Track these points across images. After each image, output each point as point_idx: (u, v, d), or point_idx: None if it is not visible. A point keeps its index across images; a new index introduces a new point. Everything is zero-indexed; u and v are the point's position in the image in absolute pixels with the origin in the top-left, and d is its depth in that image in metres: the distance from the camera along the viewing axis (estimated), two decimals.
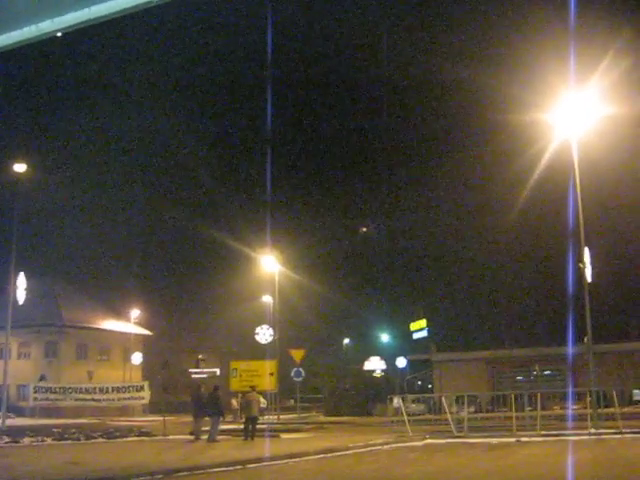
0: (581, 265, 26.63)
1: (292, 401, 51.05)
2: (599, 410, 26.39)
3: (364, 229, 73.57)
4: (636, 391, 39.05)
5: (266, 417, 39.67)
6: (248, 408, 26.19)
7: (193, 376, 67.55)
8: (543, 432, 24.21)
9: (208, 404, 25.33)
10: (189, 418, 27.97)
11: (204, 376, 64.88)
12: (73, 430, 28.70)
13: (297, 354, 42.34)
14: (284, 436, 27.74)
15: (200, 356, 76.37)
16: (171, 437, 27.26)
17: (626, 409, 31.36)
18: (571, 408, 30.52)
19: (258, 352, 43.86)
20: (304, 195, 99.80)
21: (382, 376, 65.88)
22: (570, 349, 32.82)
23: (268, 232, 52.83)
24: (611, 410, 27.09)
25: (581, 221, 26.54)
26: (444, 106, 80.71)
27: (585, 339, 28.14)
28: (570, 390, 34.51)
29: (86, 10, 2.87)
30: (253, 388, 28.06)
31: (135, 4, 2.86)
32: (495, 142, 51.18)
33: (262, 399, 39.26)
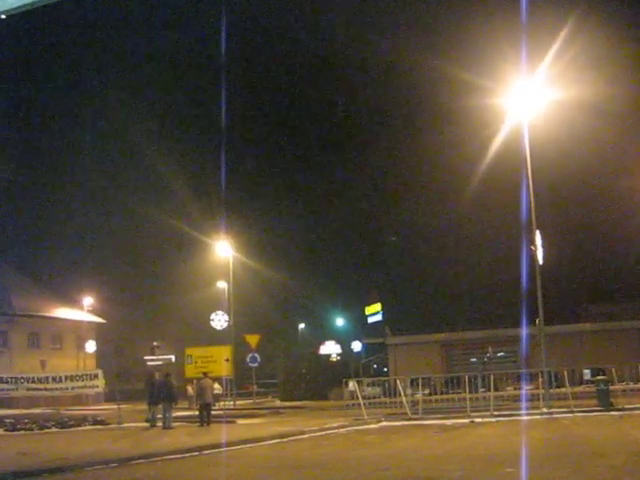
0: (533, 248, 26.99)
1: (255, 386, 51.11)
2: (551, 390, 26.86)
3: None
4: (586, 371, 39.78)
5: (222, 403, 39.61)
6: (202, 394, 26.14)
7: (148, 364, 67.11)
8: (496, 413, 24.57)
9: (161, 391, 25.23)
10: (144, 406, 27.82)
11: (159, 363, 64.45)
12: (26, 420, 28.33)
13: (252, 339, 42.31)
14: (240, 422, 27.75)
15: (155, 343, 75.84)
16: (126, 425, 27.08)
17: (577, 389, 31.98)
18: (524, 389, 31.02)
19: (213, 338, 43.73)
20: (258, 181, 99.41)
21: (338, 360, 66.15)
22: (524, 331, 33.31)
23: (222, 218, 52.62)
24: (562, 390, 27.60)
25: (533, 204, 26.89)
26: (396, 91, 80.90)
27: (537, 321, 28.57)
28: (524, 371, 35.03)
29: None
30: (206, 374, 27.99)
31: None
32: (448, 126, 51.52)
33: (217, 385, 39.17)
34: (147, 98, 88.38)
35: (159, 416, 25.45)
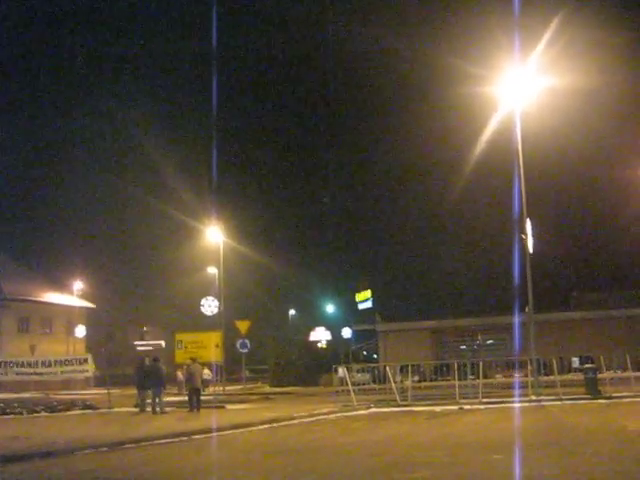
0: (523, 236, 27.05)
1: (246, 372, 51.20)
2: (540, 378, 26.99)
3: (324, 199, 73.49)
4: (575, 359, 39.99)
5: (212, 389, 39.67)
6: (191, 380, 26.18)
7: (138, 349, 67.17)
8: (485, 400, 24.68)
9: (150, 376, 25.26)
10: (133, 391, 27.82)
11: (149, 348, 64.51)
12: (15, 404, 28.29)
13: (242, 325, 42.33)
14: (230, 407, 27.79)
15: (145, 328, 75.94)
16: (116, 410, 27.09)
17: (565, 377, 32.17)
18: (514, 376, 31.16)
19: (203, 324, 43.73)
20: (249, 167, 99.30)
21: (328, 346, 66.29)
22: (516, 318, 33.40)
23: (213, 204, 52.56)
24: (551, 378, 27.75)
25: (524, 193, 26.92)
26: (388, 78, 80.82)
27: (526, 308, 28.68)
28: (515, 359, 35.22)
29: None
30: (194, 360, 28.00)
31: None
32: (441, 114, 51.47)
33: (207, 371, 39.20)
34: (139, 84, 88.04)
35: (148, 401, 25.48)
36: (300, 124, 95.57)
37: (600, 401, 23.79)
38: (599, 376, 26.49)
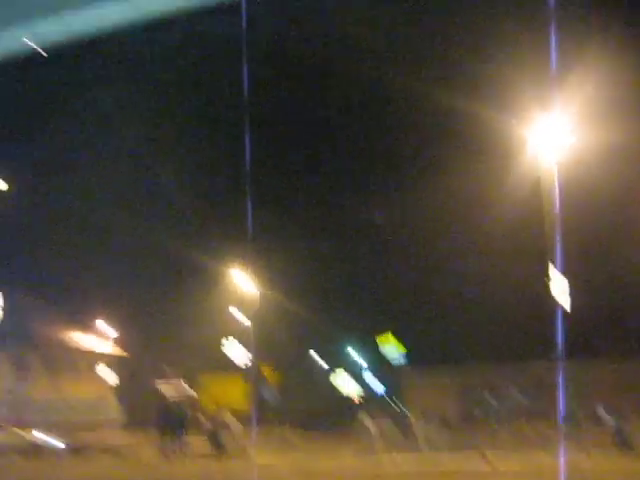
0: (546, 279, 26.78)
1: (272, 415, 50.75)
2: (568, 427, 26.59)
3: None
4: (602, 408, 39.34)
5: (235, 433, 39.46)
6: (213, 424, 26.18)
7: (162, 391, 67.03)
8: (513, 448, 24.37)
9: (173, 418, 25.28)
10: (157, 433, 27.80)
11: (172, 391, 64.35)
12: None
13: (267, 369, 42.19)
14: (252, 451, 27.63)
15: (169, 370, 75.85)
16: (139, 452, 27.03)
17: (593, 427, 31.67)
18: (535, 425, 30.77)
19: (227, 368, 43.61)
20: (279, 210, 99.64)
21: (352, 392, 65.69)
22: (538, 365, 33.01)
23: (242, 247, 52.70)
24: (579, 427, 27.35)
25: (554, 235, 26.65)
26: (420, 122, 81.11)
27: (554, 355, 28.34)
28: (535, 407, 34.78)
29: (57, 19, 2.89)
30: (218, 403, 27.98)
31: (114, 18, 2.88)
32: (473, 157, 51.54)
33: (230, 415, 39.06)
34: (168, 118, 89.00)
35: (172, 444, 25.44)
36: (332, 173, 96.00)
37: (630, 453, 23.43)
38: (629, 428, 26.10)
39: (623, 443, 24.59)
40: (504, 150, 29.13)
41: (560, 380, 27.10)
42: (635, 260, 49.88)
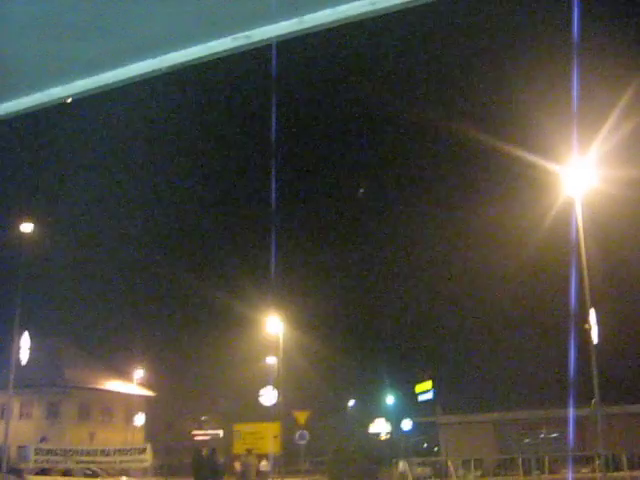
0: (587, 326, 26.47)
1: (306, 464, 50.36)
2: (609, 474, 25.97)
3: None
4: None
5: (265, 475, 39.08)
6: (247, 472, 25.98)
7: (196, 438, 66.84)
8: None
9: (207, 467, 25.12)
10: None
11: (207, 438, 64.14)
12: None
13: (301, 416, 41.87)
14: None
15: (203, 418, 75.66)
16: None
17: (636, 473, 30.86)
18: (576, 472, 30.06)
19: (262, 414, 43.42)
20: (309, 255, 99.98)
21: (388, 439, 65.01)
22: (571, 411, 32.35)
23: (273, 292, 52.79)
24: (621, 474, 26.68)
25: (586, 281, 26.47)
26: (444, 164, 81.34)
27: (593, 401, 27.84)
28: (571, 454, 33.99)
29: (96, 77, 2.94)
30: (250, 451, 27.78)
31: (144, 72, 2.92)
32: (500, 200, 51.46)
33: (264, 462, 38.72)
34: (201, 177, 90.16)
35: None
36: (357, 213, 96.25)
37: None
38: None
39: None
40: (534, 189, 29.00)
41: (599, 426, 26.56)
42: None
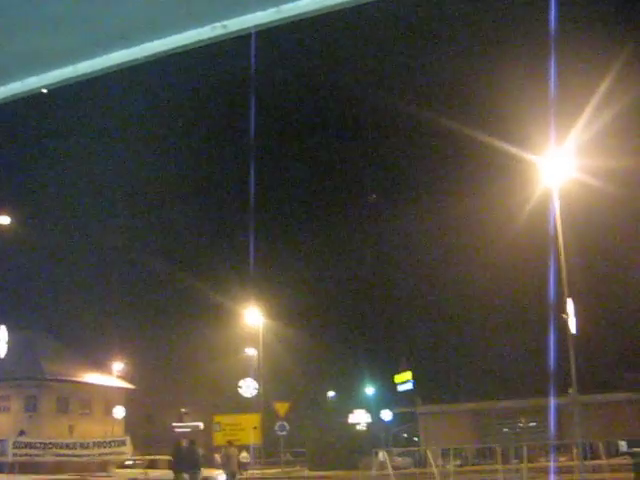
0: (564, 316, 26.66)
1: (289, 454, 50.49)
2: (586, 462, 26.21)
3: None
4: (622, 442, 38.80)
5: (250, 472, 39.13)
6: (228, 464, 25.97)
7: (176, 430, 66.76)
8: None
9: (186, 458, 25.04)
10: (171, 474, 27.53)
11: (188, 430, 64.07)
12: None
13: (281, 407, 41.93)
14: None
15: (183, 410, 75.54)
16: None
17: (613, 460, 31.18)
18: (555, 461, 30.32)
19: (242, 405, 43.43)
20: (289, 246, 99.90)
21: (367, 429, 65.25)
22: (552, 401, 32.66)
23: (252, 284, 52.80)
24: (598, 462, 26.94)
25: (564, 271, 26.65)
26: (421, 155, 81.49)
27: (570, 390, 28.07)
28: (553, 443, 34.27)
29: (72, 67, 2.91)
30: (231, 443, 27.78)
31: (121, 62, 2.89)
32: (474, 191, 51.66)
33: (245, 454, 38.77)
34: (178, 166, 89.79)
35: None
36: (337, 210, 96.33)
37: None
38: None
39: None
40: (512, 181, 29.14)
41: (577, 415, 26.80)
42: None
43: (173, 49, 2.74)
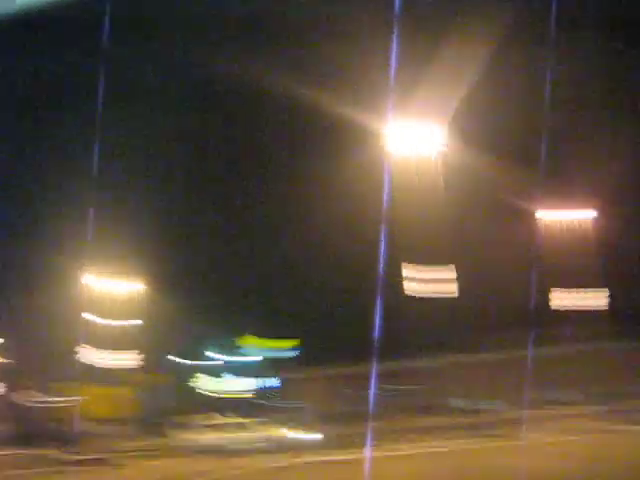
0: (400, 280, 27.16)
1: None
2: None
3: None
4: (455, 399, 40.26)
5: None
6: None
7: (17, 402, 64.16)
8: None
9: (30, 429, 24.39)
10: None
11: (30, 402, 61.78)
12: None
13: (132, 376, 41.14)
14: None
15: (28, 381, 72.73)
16: None
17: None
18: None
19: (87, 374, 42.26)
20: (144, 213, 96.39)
21: (216, 392, 64.78)
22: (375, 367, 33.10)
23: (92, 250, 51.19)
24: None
25: (397, 237, 27.05)
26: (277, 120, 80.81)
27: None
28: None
29: None
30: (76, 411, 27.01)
31: None
32: (322, 158, 51.93)
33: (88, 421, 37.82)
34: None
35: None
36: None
37: None
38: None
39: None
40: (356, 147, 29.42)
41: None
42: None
43: None
